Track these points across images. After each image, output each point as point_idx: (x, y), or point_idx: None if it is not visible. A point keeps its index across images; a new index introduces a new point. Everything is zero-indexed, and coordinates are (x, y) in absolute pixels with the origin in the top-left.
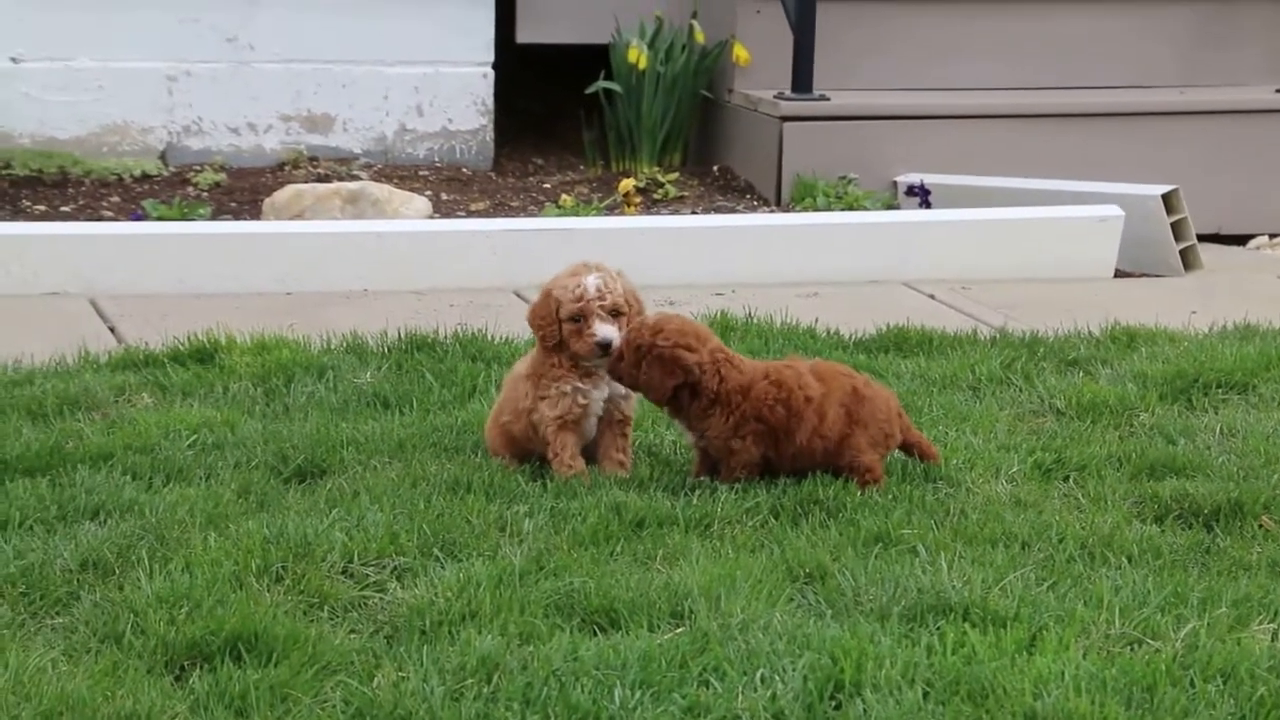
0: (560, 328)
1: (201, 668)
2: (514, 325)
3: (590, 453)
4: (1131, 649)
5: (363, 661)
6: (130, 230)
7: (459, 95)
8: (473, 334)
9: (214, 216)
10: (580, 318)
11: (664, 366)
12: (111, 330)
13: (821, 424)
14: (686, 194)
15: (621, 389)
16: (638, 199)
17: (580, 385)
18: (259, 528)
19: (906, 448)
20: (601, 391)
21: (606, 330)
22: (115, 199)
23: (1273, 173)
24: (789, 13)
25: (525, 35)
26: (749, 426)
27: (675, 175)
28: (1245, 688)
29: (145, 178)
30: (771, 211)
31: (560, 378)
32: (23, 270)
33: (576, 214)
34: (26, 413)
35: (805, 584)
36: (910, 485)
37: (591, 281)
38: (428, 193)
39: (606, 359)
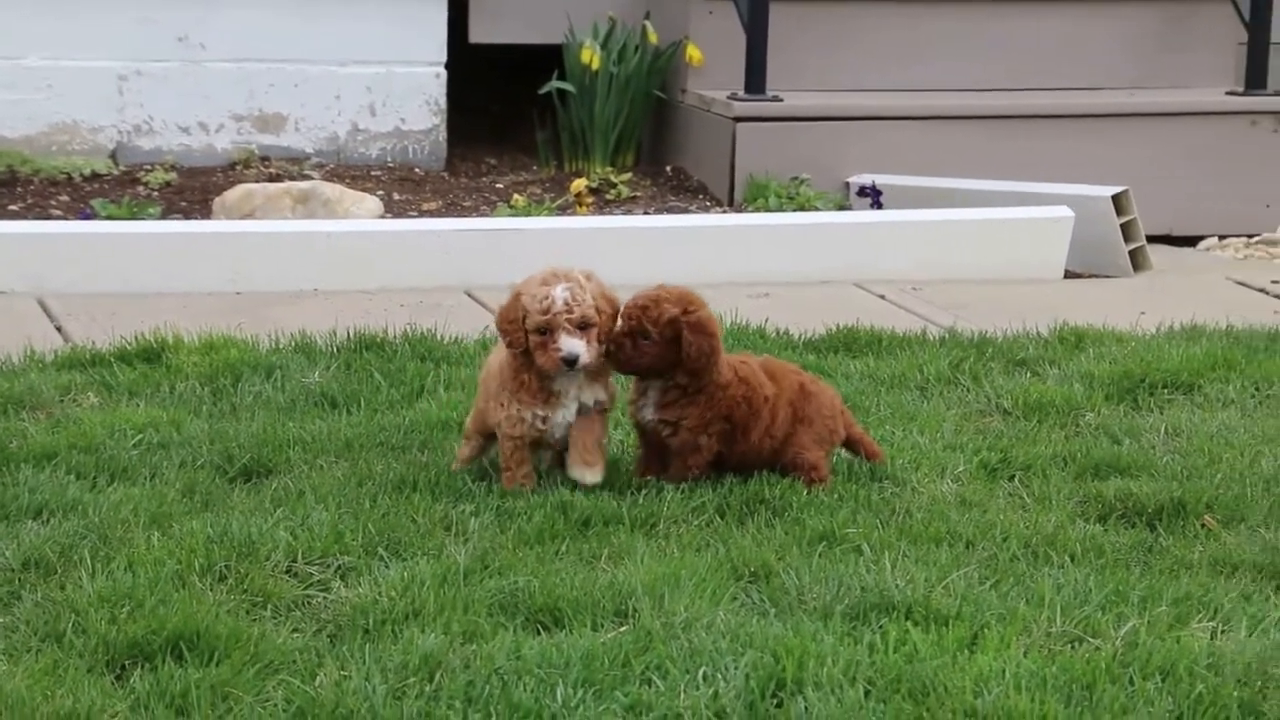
0: (526, 336)
1: (143, 667)
2: (464, 325)
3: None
4: (1072, 647)
5: (305, 660)
6: (79, 229)
7: (412, 95)
8: (422, 334)
9: (164, 216)
10: (547, 330)
11: (702, 333)
12: (58, 329)
13: (773, 423)
14: (639, 194)
15: (595, 394)
16: (590, 199)
17: (540, 412)
18: (203, 527)
19: (851, 445)
20: (568, 411)
21: (572, 345)
22: (64, 198)
23: (1223, 175)
24: (742, 13)
25: (478, 35)
26: (718, 424)
27: (628, 176)
28: (1184, 685)
29: (95, 177)
30: (724, 212)
31: (524, 402)
32: None
33: (528, 214)
34: None
35: (749, 583)
36: (856, 485)
37: (559, 293)
38: (380, 193)
39: (573, 373)
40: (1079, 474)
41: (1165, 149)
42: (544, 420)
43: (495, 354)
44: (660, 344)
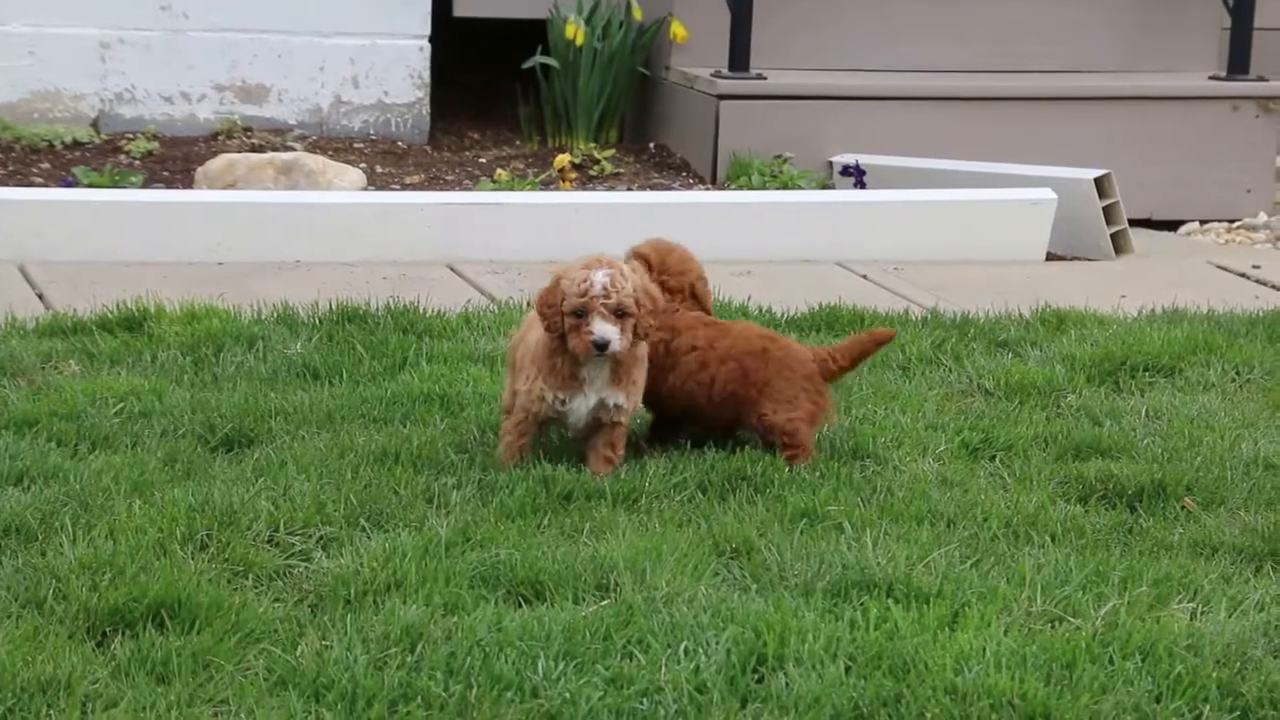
0: (563, 319)
1: (124, 634)
2: (446, 298)
3: (580, 441)
4: (1052, 626)
5: (286, 630)
6: (60, 197)
7: (395, 68)
8: (404, 306)
9: (146, 185)
10: (583, 313)
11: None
12: (40, 297)
13: (699, 372)
14: (622, 171)
15: (616, 398)
16: (573, 175)
17: (561, 395)
18: (184, 495)
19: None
20: (588, 399)
21: (604, 330)
22: (46, 166)
23: (1206, 160)
24: None
25: (463, 9)
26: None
27: (611, 152)
28: (1163, 665)
29: (77, 145)
30: (707, 189)
31: (549, 383)
32: None
33: (511, 189)
34: None
35: (731, 559)
36: (838, 463)
37: (599, 278)
38: (362, 165)
39: (603, 358)
40: (1060, 455)
41: (1148, 133)
42: (563, 403)
43: (524, 328)
44: None
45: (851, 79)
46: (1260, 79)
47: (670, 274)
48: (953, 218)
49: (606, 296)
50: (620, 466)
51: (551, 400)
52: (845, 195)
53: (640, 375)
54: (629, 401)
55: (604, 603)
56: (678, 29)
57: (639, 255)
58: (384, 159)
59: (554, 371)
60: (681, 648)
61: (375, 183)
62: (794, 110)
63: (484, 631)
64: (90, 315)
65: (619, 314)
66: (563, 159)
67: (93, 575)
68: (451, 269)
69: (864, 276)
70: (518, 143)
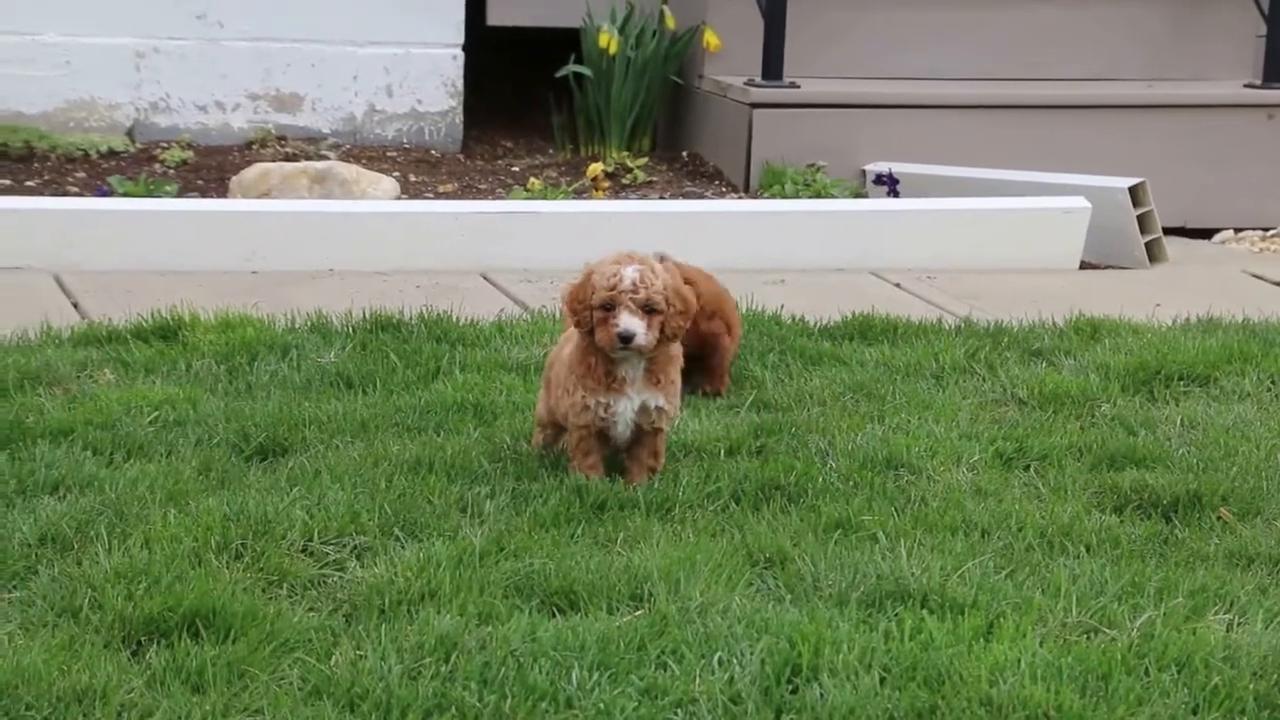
0: (591, 314)
1: (159, 643)
2: (480, 307)
3: (622, 453)
4: (1088, 637)
5: (320, 639)
6: (96, 206)
7: (428, 77)
8: (438, 315)
9: (181, 194)
10: (611, 306)
11: None
12: (75, 306)
13: None
14: (655, 179)
15: (656, 400)
16: (606, 183)
17: (603, 399)
18: (219, 505)
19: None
20: (631, 402)
21: (630, 323)
22: (81, 175)
23: (1239, 167)
24: (760, 0)
25: (496, 18)
26: None
27: (644, 160)
28: (1200, 677)
29: (112, 154)
30: (740, 198)
31: (591, 389)
32: None
33: (545, 197)
34: None
35: (765, 569)
36: (872, 472)
37: (629, 272)
38: (396, 174)
39: (627, 352)
40: (1094, 465)
41: (1182, 141)
42: (606, 408)
43: (561, 344)
44: None
45: (884, 87)
46: None
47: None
48: (986, 226)
49: (635, 291)
50: (655, 477)
51: (594, 406)
52: (878, 204)
53: (676, 376)
54: (669, 404)
55: (638, 613)
56: (711, 38)
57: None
58: (417, 168)
59: (590, 373)
60: (716, 658)
61: (409, 191)
62: (827, 119)
63: (518, 641)
64: (125, 324)
65: (647, 309)
66: (596, 168)
67: (128, 584)
68: (485, 278)
69: (897, 285)
70: (551, 151)
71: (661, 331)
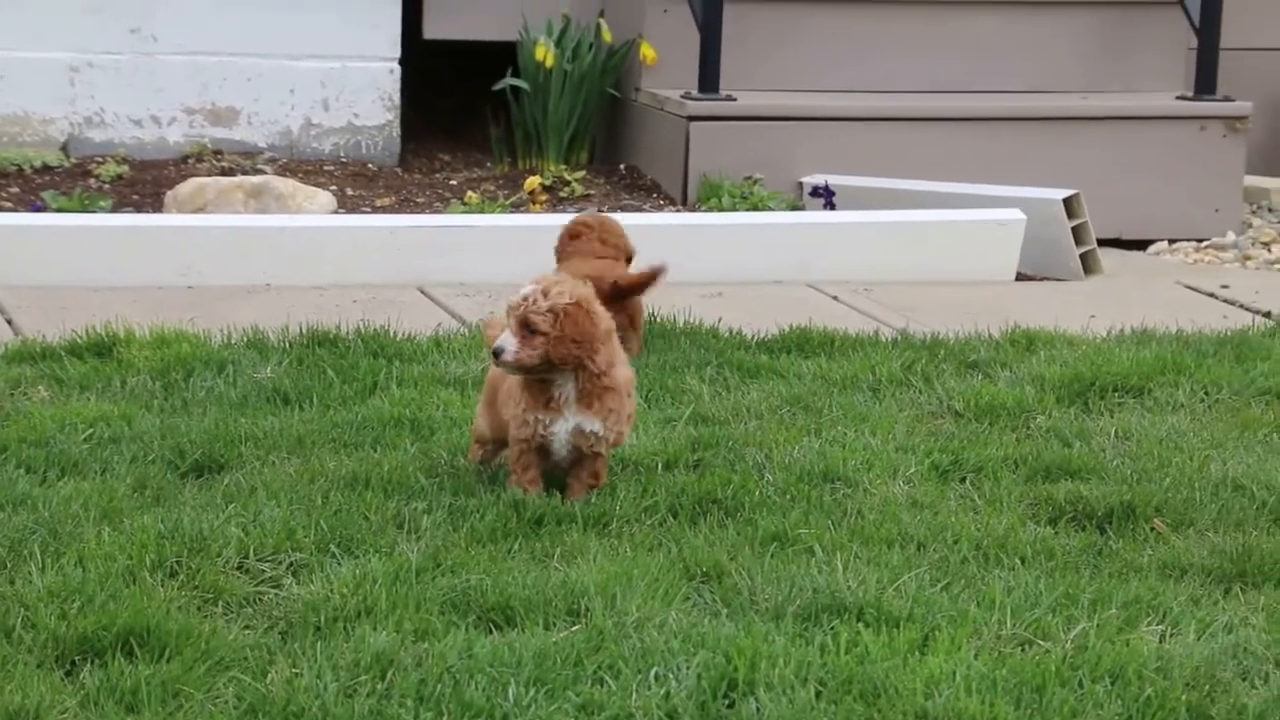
0: None
1: (93, 663)
2: (417, 321)
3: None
4: (1022, 649)
5: (256, 658)
6: (29, 221)
7: (365, 90)
8: (375, 330)
9: (116, 209)
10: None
11: None
12: (8, 322)
13: None
14: (593, 192)
15: (591, 424)
16: (544, 197)
17: (541, 416)
18: (154, 522)
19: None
20: (566, 423)
21: (503, 338)
22: (15, 190)
23: (1174, 179)
24: (696, 13)
25: (432, 31)
26: None
27: (582, 173)
28: (1133, 688)
29: (46, 169)
30: (677, 211)
31: (527, 404)
32: None
33: (482, 211)
34: None
35: (702, 583)
36: (809, 485)
37: (524, 289)
38: (333, 188)
39: (501, 366)
40: (1030, 476)
41: (1116, 153)
42: (545, 426)
43: None
44: None
45: (820, 100)
46: (1227, 99)
47: (610, 236)
48: (922, 238)
49: (516, 308)
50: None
51: (533, 423)
52: (815, 216)
53: (617, 404)
54: (605, 430)
55: (574, 628)
56: (647, 51)
57: (582, 223)
58: (354, 181)
59: (530, 391)
60: (652, 673)
61: (346, 205)
62: (764, 131)
63: (454, 658)
64: (59, 340)
65: (526, 328)
66: (533, 181)
67: (61, 603)
68: (422, 292)
69: (834, 297)
70: (488, 165)
71: (547, 355)
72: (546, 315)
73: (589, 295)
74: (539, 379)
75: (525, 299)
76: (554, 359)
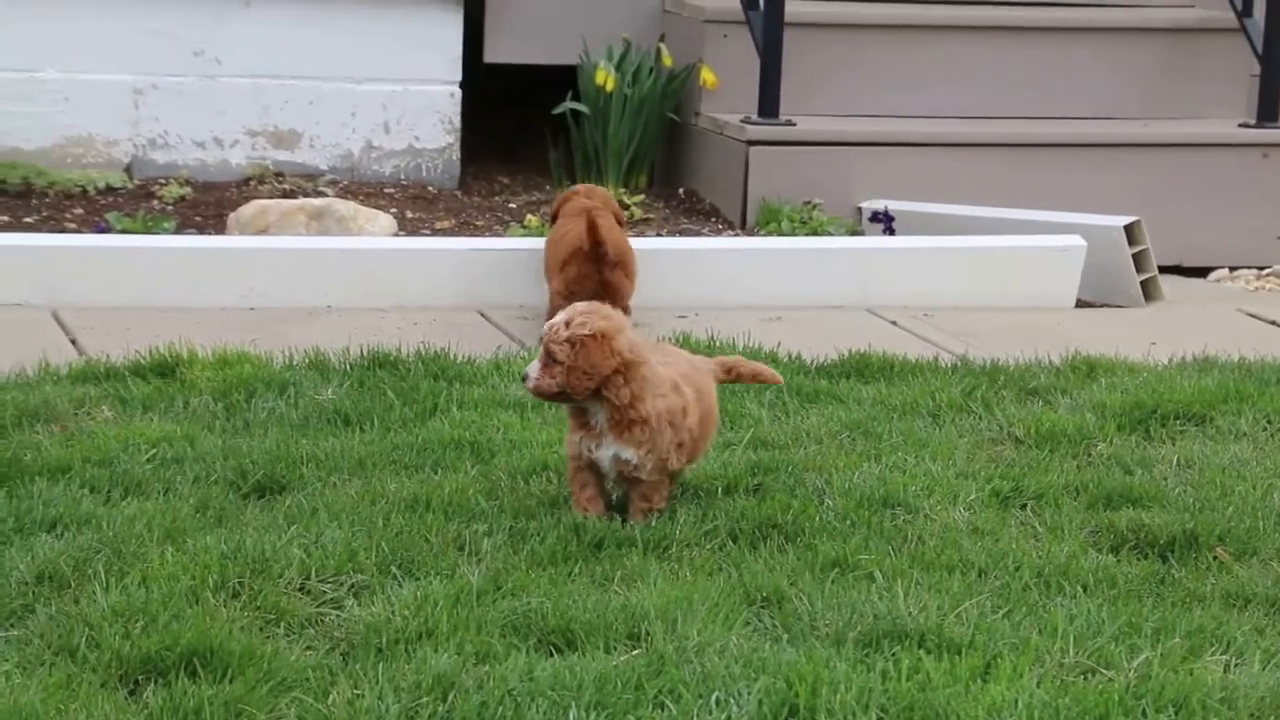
0: None
1: (156, 682)
2: (477, 344)
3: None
4: (1085, 678)
5: (318, 678)
6: (93, 242)
7: (426, 113)
8: (435, 352)
9: (178, 230)
10: None
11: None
12: (73, 342)
13: None
14: (652, 216)
15: (624, 452)
16: None
17: (586, 439)
18: (216, 543)
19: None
20: (606, 450)
21: (530, 366)
22: (79, 211)
23: (1234, 206)
24: (756, 38)
25: (493, 55)
26: None
27: (641, 197)
28: (1197, 718)
29: (110, 190)
30: (736, 235)
31: (572, 427)
32: None
33: (541, 234)
34: None
35: (762, 608)
36: (869, 511)
37: (556, 318)
38: (393, 210)
39: (524, 390)
40: (1091, 504)
41: (1177, 180)
42: (590, 450)
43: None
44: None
45: (880, 125)
46: None
47: (597, 196)
48: (982, 264)
49: (544, 336)
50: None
51: (579, 443)
52: (874, 242)
53: (648, 436)
54: (640, 458)
55: (635, 652)
56: (707, 75)
57: (573, 190)
58: (414, 204)
59: (574, 416)
60: (713, 698)
61: (406, 228)
62: (823, 156)
63: (515, 681)
64: (123, 361)
65: (548, 355)
66: None
67: (125, 623)
68: (482, 315)
69: (893, 323)
70: (548, 188)
71: (566, 384)
72: (564, 345)
73: (613, 329)
74: (575, 405)
75: (551, 327)
76: (568, 388)
